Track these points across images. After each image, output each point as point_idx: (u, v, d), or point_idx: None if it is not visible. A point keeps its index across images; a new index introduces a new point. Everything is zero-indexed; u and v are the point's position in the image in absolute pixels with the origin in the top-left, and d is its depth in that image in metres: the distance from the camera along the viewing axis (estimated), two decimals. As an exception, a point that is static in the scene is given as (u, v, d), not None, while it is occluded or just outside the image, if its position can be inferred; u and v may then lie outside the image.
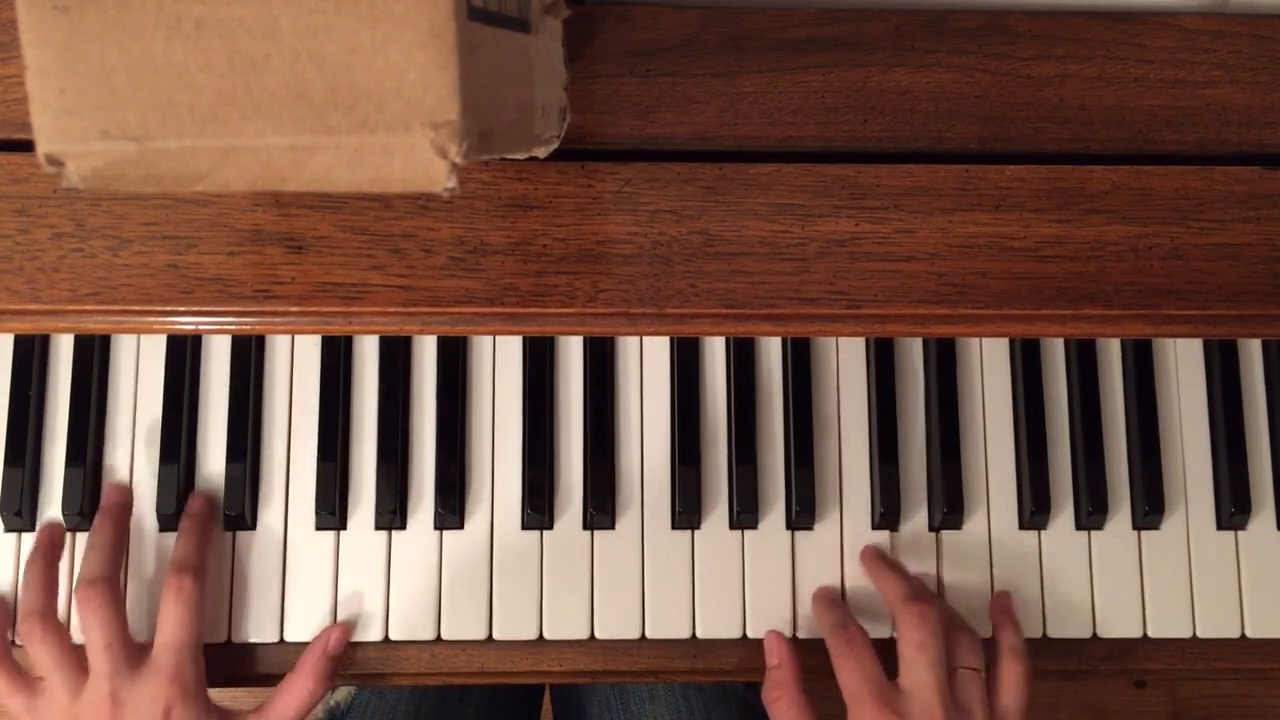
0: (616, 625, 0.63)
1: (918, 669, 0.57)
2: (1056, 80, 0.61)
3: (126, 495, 0.63)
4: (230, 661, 0.63)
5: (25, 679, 0.59)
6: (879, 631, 0.63)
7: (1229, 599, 0.65)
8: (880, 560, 0.63)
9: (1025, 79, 0.61)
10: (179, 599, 0.58)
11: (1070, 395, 0.67)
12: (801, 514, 0.64)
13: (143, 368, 0.65)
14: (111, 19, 0.38)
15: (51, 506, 0.63)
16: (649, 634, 0.63)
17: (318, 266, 0.58)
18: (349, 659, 0.62)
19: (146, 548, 0.64)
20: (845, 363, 0.66)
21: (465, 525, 0.64)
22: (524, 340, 0.65)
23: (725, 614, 0.64)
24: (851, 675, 0.58)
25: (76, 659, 0.58)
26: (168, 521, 0.63)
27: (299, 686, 0.60)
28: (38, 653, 0.58)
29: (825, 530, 0.65)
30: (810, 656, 0.62)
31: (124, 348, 0.65)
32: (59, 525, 0.63)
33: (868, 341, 0.66)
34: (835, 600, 0.63)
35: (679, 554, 0.64)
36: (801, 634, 0.64)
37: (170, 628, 0.58)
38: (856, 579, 0.64)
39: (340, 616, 0.63)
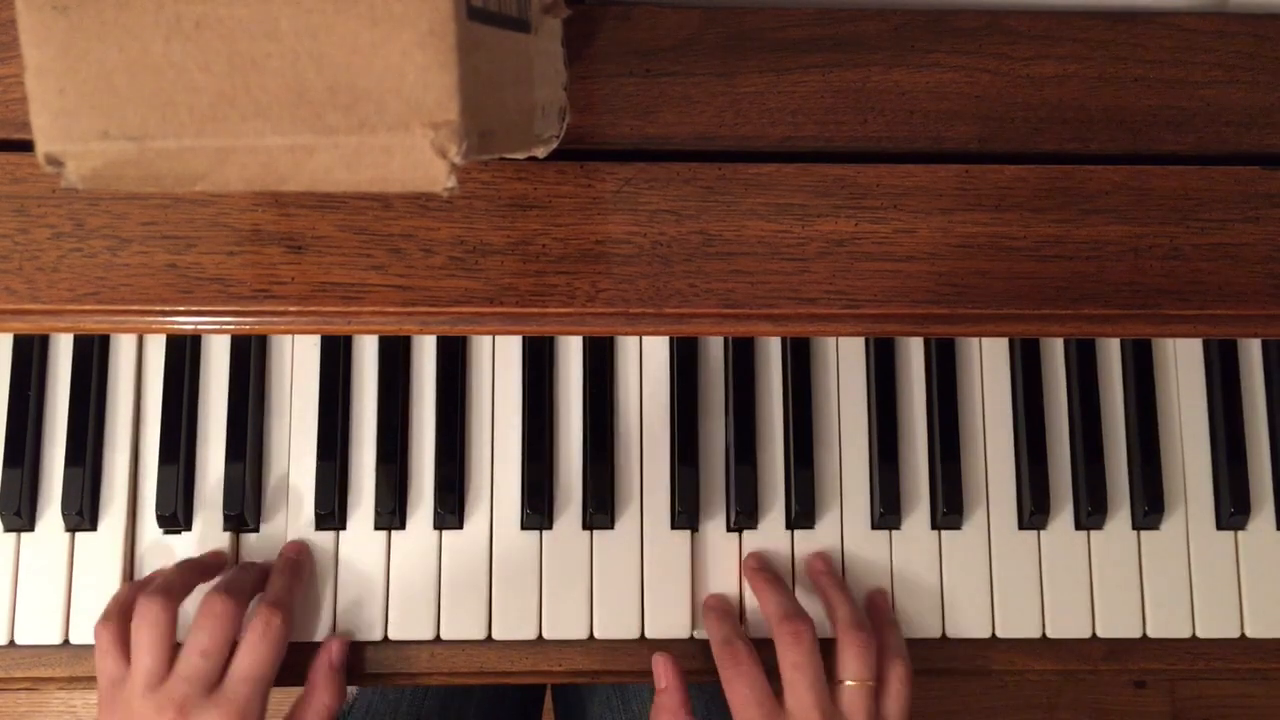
0: (616, 625, 0.63)
1: (798, 689, 0.57)
2: (1056, 80, 0.61)
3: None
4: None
5: (125, 651, 0.59)
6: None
7: (1229, 599, 0.65)
8: (762, 574, 0.63)
9: (1025, 79, 0.61)
10: (265, 635, 0.58)
11: (1070, 395, 0.67)
12: (801, 514, 0.64)
13: (143, 368, 0.65)
14: (111, 19, 0.38)
15: (51, 506, 0.63)
16: (648, 634, 0.63)
17: (317, 266, 0.58)
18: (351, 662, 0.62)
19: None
20: (845, 363, 0.66)
21: (465, 525, 0.64)
22: (523, 340, 0.65)
23: (725, 614, 0.64)
24: (738, 692, 0.58)
25: (170, 653, 0.57)
26: (167, 522, 0.63)
27: (315, 703, 0.60)
28: (142, 632, 0.57)
29: (825, 530, 0.65)
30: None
31: (124, 348, 0.65)
32: (224, 555, 0.63)
33: (868, 341, 0.66)
34: (725, 612, 0.62)
35: (678, 554, 0.64)
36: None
37: (249, 661, 0.57)
38: (858, 578, 0.64)
39: (339, 617, 0.63)
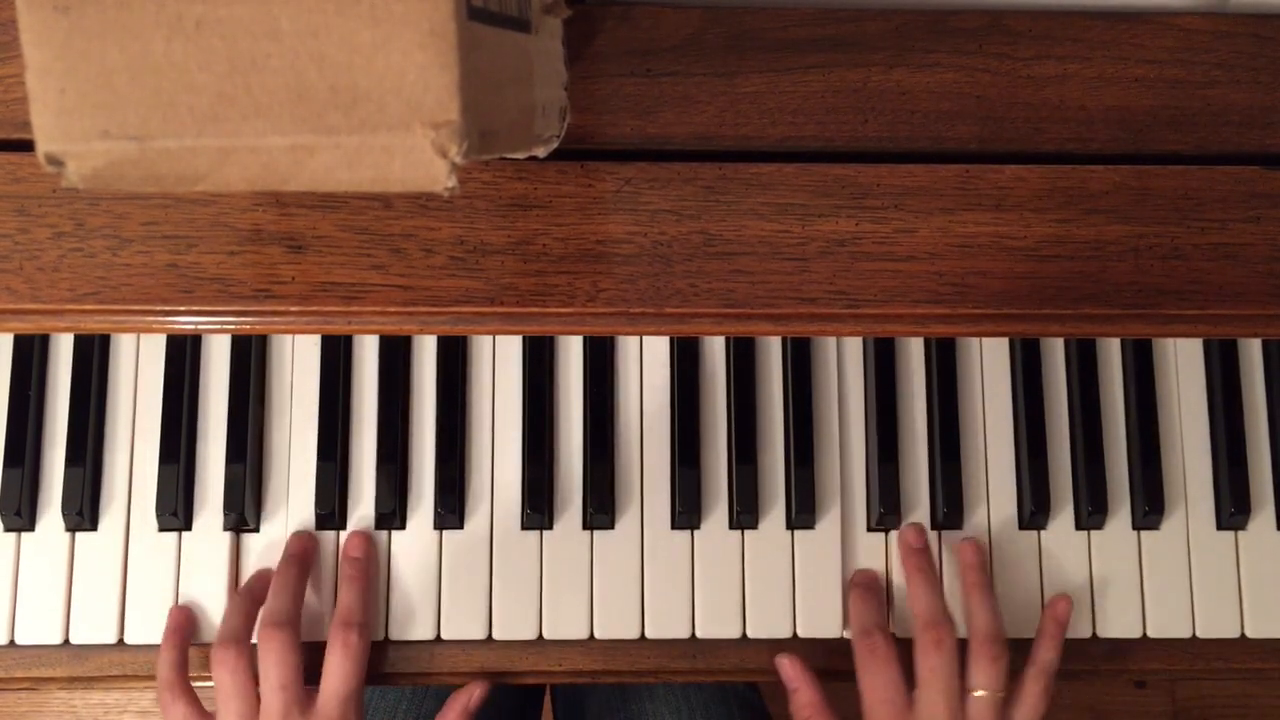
0: (616, 625, 0.63)
1: (931, 693, 0.58)
2: (1056, 80, 0.61)
3: (312, 543, 0.64)
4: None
5: (202, 710, 0.60)
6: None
7: (1229, 599, 0.65)
8: (916, 559, 0.63)
9: (1025, 79, 0.61)
10: (345, 654, 0.59)
11: (1070, 395, 0.67)
12: (801, 514, 0.64)
13: (143, 368, 0.65)
14: (111, 19, 0.38)
15: (51, 506, 0.63)
16: (648, 634, 0.63)
17: (318, 266, 0.58)
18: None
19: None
20: (845, 363, 0.66)
21: (465, 525, 0.64)
22: (524, 340, 0.65)
23: (725, 614, 0.64)
24: (871, 687, 0.59)
25: (256, 694, 0.59)
26: (168, 521, 0.63)
27: None
28: (225, 679, 0.59)
29: (825, 530, 0.65)
30: (820, 657, 0.63)
31: (124, 348, 0.65)
32: (268, 571, 0.63)
33: (867, 341, 0.66)
34: (871, 594, 0.63)
35: (679, 554, 0.64)
36: (802, 633, 0.64)
37: (336, 680, 0.59)
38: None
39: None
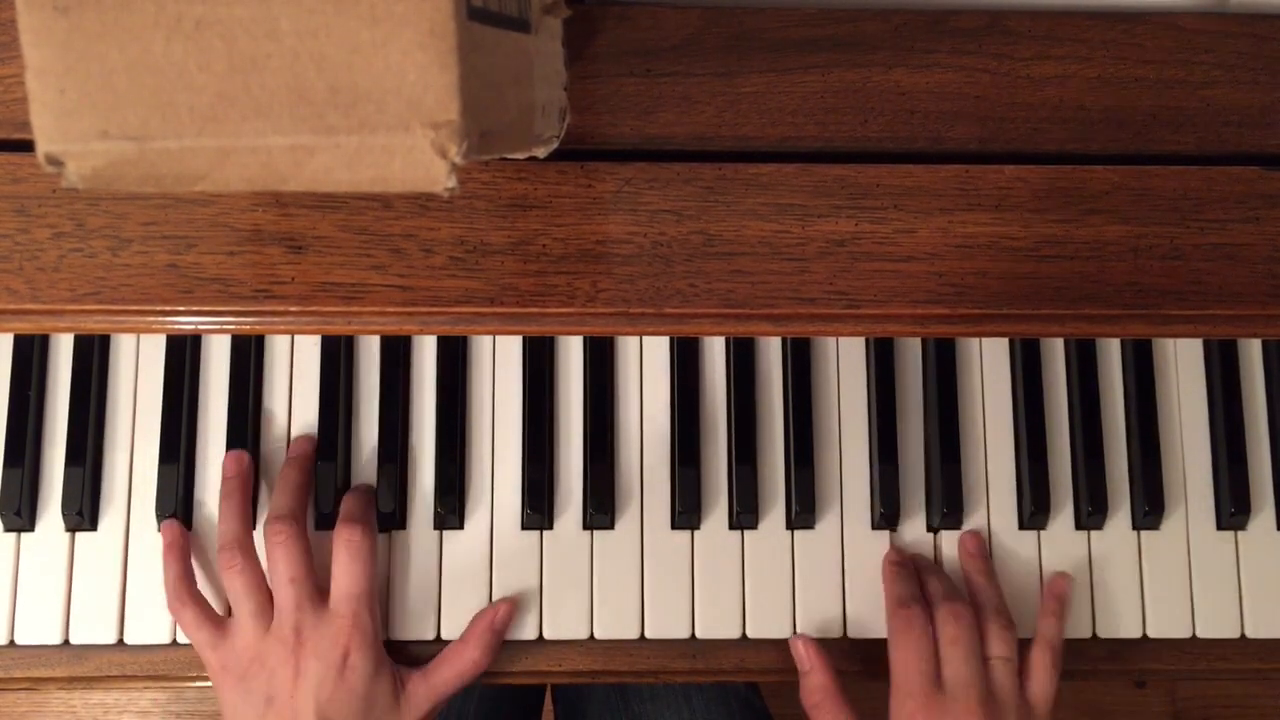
0: (616, 625, 0.63)
1: (955, 663, 0.58)
2: (1056, 80, 0.61)
3: (311, 445, 0.64)
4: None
5: (213, 614, 0.60)
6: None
7: (1229, 599, 0.65)
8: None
9: (1025, 79, 0.61)
10: (349, 551, 0.59)
11: (1070, 395, 0.67)
12: (801, 514, 0.64)
13: (142, 368, 0.65)
14: (111, 19, 0.38)
15: (51, 506, 0.63)
16: (648, 634, 0.63)
17: (317, 266, 0.58)
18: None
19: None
20: (845, 363, 0.66)
21: (465, 525, 0.64)
22: (524, 340, 0.65)
23: (725, 614, 0.64)
24: (904, 660, 0.59)
25: (268, 591, 0.59)
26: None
27: (465, 655, 0.61)
28: (234, 581, 0.59)
29: (825, 530, 0.65)
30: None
31: (124, 348, 0.65)
32: (243, 454, 0.63)
33: (868, 341, 0.66)
34: (908, 570, 0.63)
35: (679, 554, 0.64)
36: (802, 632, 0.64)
37: (344, 579, 0.59)
38: (858, 579, 0.64)
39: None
